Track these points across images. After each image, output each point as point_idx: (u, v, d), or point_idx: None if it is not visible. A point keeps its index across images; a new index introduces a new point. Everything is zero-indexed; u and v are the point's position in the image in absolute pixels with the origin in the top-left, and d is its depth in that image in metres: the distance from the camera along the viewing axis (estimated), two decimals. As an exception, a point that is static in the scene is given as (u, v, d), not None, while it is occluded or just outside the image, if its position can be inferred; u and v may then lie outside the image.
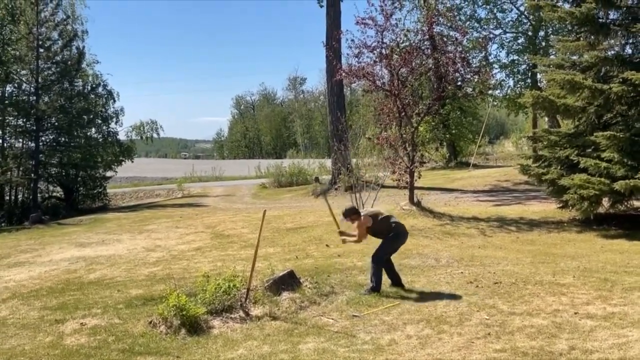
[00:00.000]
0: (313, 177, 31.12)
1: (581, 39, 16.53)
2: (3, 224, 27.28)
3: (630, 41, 16.37)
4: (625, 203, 15.59)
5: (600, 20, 16.06)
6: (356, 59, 18.04)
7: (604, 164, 14.15)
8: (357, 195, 17.81)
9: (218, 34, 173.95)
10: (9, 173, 30.09)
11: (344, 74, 18.98)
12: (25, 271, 13.25)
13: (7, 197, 31.88)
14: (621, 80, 14.45)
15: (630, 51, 16.56)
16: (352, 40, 18.04)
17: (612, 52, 16.24)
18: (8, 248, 17.25)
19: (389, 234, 9.37)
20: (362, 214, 9.49)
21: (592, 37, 16.16)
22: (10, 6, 31.47)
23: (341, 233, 9.71)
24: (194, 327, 7.98)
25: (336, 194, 24.95)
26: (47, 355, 7.49)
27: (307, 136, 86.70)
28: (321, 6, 29.27)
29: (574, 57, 16.86)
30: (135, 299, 9.80)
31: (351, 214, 9.42)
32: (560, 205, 16.08)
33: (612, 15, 16.26)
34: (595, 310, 7.88)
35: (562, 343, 6.77)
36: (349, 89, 38.13)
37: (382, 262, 9.35)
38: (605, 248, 12.77)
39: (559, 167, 15.77)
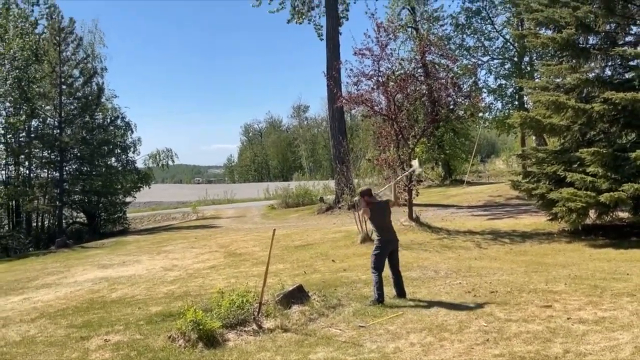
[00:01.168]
0: (318, 198, 31.10)
1: (563, 62, 16.61)
2: (31, 249, 27.30)
3: (610, 63, 16.43)
4: (611, 214, 15.51)
5: (581, 45, 16.14)
6: (355, 86, 18.16)
7: (589, 178, 14.12)
8: (360, 212, 17.78)
9: (226, 68, 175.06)
10: (36, 201, 30.23)
11: (344, 100, 19.08)
12: (52, 292, 13.24)
13: (34, 224, 31.99)
14: (602, 100, 14.47)
15: (609, 73, 16.62)
16: (351, 69, 18.20)
17: (593, 74, 16.28)
18: (36, 271, 17.25)
19: (377, 240, 9.43)
20: (376, 195, 9.94)
21: (574, 60, 16.22)
22: (34, 47, 31.81)
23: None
24: (210, 340, 7.93)
25: (340, 212, 24.94)
26: (73, 370, 7.45)
27: (311, 159, 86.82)
28: (321, 39, 29.54)
29: (558, 80, 16.91)
30: (155, 316, 9.76)
31: (363, 194, 9.72)
32: (550, 217, 16.02)
33: (592, 40, 16.35)
34: (586, 316, 7.81)
35: (557, 347, 6.71)
36: (349, 114, 38.27)
37: (379, 270, 9.29)
38: (593, 257, 12.70)
39: (547, 182, 15.74)
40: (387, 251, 9.56)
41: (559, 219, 15.40)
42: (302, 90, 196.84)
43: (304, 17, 31.10)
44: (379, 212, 9.62)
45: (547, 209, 15.94)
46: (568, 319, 7.72)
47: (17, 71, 30.97)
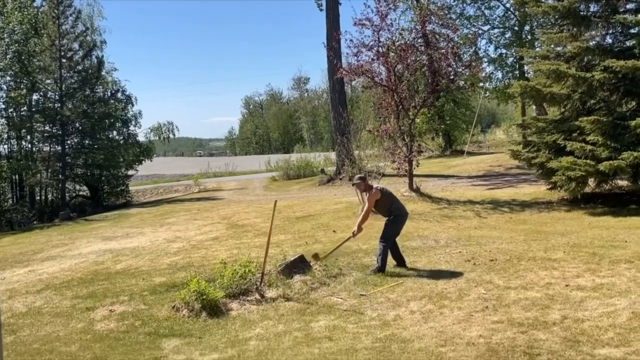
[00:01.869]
0: (319, 169, 31.08)
1: (564, 31, 16.45)
2: (35, 222, 27.44)
3: (610, 31, 16.26)
4: (610, 182, 15.53)
5: (582, 12, 15.96)
6: (355, 57, 18.00)
7: (589, 147, 14.09)
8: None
9: (225, 39, 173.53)
10: (39, 175, 30.30)
11: (344, 72, 18.97)
12: (57, 264, 13.33)
13: (38, 197, 32.11)
14: (603, 68, 14.38)
15: (610, 41, 16.47)
16: (351, 40, 18.01)
17: (594, 42, 16.14)
18: (41, 244, 17.35)
19: (390, 216, 9.44)
20: (373, 187, 9.69)
21: (575, 28, 16.06)
22: (33, 21, 31.54)
23: (354, 233, 9.64)
24: (213, 309, 8.02)
25: (341, 184, 24.97)
26: (79, 340, 7.55)
27: (312, 132, 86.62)
28: (321, 10, 29.22)
29: (558, 48, 16.78)
30: (159, 286, 9.85)
31: (362, 180, 9.77)
32: (550, 186, 16.03)
33: (593, 7, 16.16)
34: (584, 282, 7.88)
35: (555, 313, 6.77)
36: (349, 86, 38.12)
37: (389, 242, 9.40)
38: (592, 225, 12.75)
39: (547, 151, 15.72)
40: (402, 225, 9.64)
41: (559, 188, 15.41)
42: (303, 61, 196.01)
43: (303, -13, 30.73)
44: (388, 195, 9.63)
45: (546, 178, 15.96)
46: (566, 285, 7.79)
47: (16, 45, 30.78)
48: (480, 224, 13.85)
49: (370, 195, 9.50)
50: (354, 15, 17.85)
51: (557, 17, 16.84)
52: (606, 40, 16.43)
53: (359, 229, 9.52)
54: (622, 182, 15.76)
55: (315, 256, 9.89)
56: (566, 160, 14.31)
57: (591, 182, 15.15)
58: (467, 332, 6.45)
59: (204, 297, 8.02)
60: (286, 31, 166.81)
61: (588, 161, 13.92)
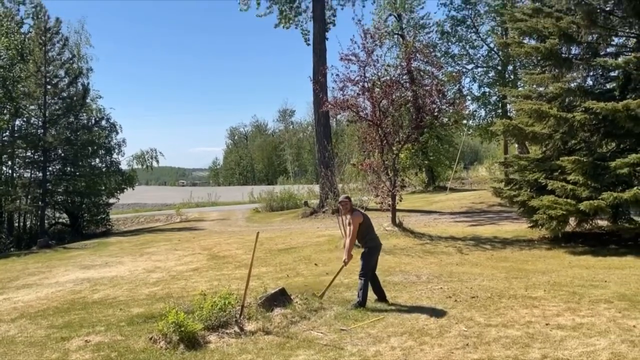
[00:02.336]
0: (302, 202, 31.08)
1: (546, 72, 16.77)
2: (12, 249, 26.98)
3: (591, 74, 16.66)
4: (590, 222, 15.70)
5: (563, 55, 16.31)
6: (341, 92, 18.18)
7: (570, 186, 14.26)
8: (343, 217, 17.79)
9: (212, 70, 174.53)
10: (18, 201, 29.94)
11: (330, 105, 19.11)
12: (33, 292, 13.10)
13: (16, 224, 31.67)
14: (584, 109, 14.65)
15: (591, 83, 16.85)
16: (337, 74, 18.23)
17: (575, 83, 16.48)
18: (17, 271, 17.07)
19: (365, 247, 9.45)
20: (358, 210, 9.82)
21: (556, 70, 16.39)
22: (20, 47, 31.53)
23: (345, 262, 9.63)
24: (191, 342, 7.90)
25: (324, 216, 24.96)
26: (53, 371, 7.38)
27: (296, 164, 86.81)
28: (308, 44, 29.59)
29: (540, 89, 17.09)
30: (137, 317, 9.70)
31: (348, 199, 9.89)
32: (531, 224, 16.16)
33: (574, 50, 16.53)
34: (565, 321, 7.89)
35: (535, 352, 6.76)
36: (334, 119, 38.34)
37: (368, 275, 9.37)
38: (573, 264, 12.82)
39: (528, 190, 15.89)
40: (377, 256, 9.65)
41: (540, 226, 15.53)
42: (289, 94, 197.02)
43: (291, 22, 31.12)
44: (369, 222, 9.69)
45: (528, 216, 16.08)
46: (547, 324, 7.79)
47: (1, 70, 30.70)
48: (461, 261, 13.87)
49: (355, 218, 9.50)
50: (341, 50, 18.06)
51: (539, 58, 17.19)
52: (587, 82, 16.81)
53: (349, 256, 9.51)
54: (602, 222, 15.95)
55: (320, 295, 9.83)
56: (547, 199, 14.46)
57: (572, 221, 15.30)
58: (448, 369, 6.42)
59: (182, 329, 7.91)
60: (273, 64, 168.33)
61: (569, 200, 14.07)
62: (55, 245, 25.16)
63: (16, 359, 7.97)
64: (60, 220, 32.70)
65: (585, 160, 14.39)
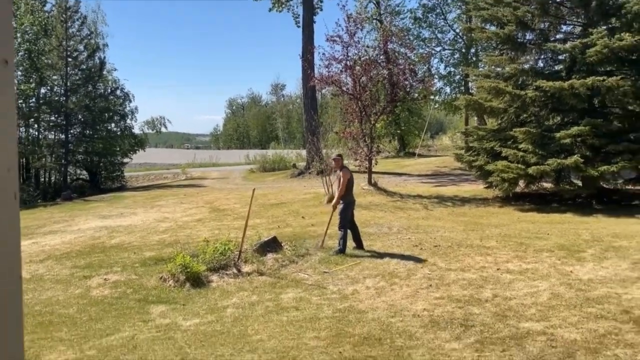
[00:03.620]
0: (291, 164, 30.99)
1: (504, 54, 16.71)
2: (39, 201, 26.76)
3: (542, 57, 16.62)
4: (537, 184, 15.85)
5: (519, 40, 16.24)
6: (326, 69, 17.98)
7: (520, 153, 14.36)
8: (327, 177, 17.81)
9: (213, 47, 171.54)
10: (44, 159, 29.64)
11: (316, 81, 18.93)
12: (58, 238, 13.07)
13: (42, 179, 31.39)
14: (535, 87, 14.65)
15: (542, 64, 16.81)
16: (323, 54, 18.02)
17: (528, 65, 16.43)
18: (44, 219, 16.97)
19: (342, 203, 9.53)
20: (347, 168, 9.93)
21: (513, 53, 16.34)
22: (44, 23, 30.79)
23: (329, 200, 9.83)
24: (196, 281, 7.97)
25: (310, 177, 24.96)
26: (77, 304, 7.42)
27: (286, 131, 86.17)
28: (298, 26, 29.10)
29: (498, 69, 17.04)
30: (149, 260, 9.74)
31: (340, 157, 10.20)
32: (486, 185, 16.31)
33: (528, 36, 16.46)
34: (513, 267, 8.05)
35: (488, 292, 6.90)
36: (320, 93, 38.00)
37: (346, 227, 9.46)
38: (521, 219, 13.00)
39: (485, 156, 15.97)
40: (352, 209, 9.73)
41: (494, 187, 15.68)
42: (280, 70, 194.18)
43: (283, 6, 30.54)
44: (352, 179, 9.79)
45: (484, 179, 16.22)
46: (498, 269, 7.94)
47: (27, 44, 29.99)
48: (427, 215, 14.00)
49: (344, 173, 9.65)
50: (327, 32, 17.89)
51: (498, 42, 17.11)
52: (538, 64, 16.78)
53: (337, 202, 9.66)
54: (547, 184, 16.12)
55: (321, 245, 9.91)
56: (501, 164, 14.56)
57: (521, 183, 15.44)
58: (414, 305, 6.54)
59: (188, 270, 7.96)
60: (267, 42, 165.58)
61: (519, 165, 14.18)
62: (76, 198, 24.99)
63: (45, 294, 7.99)
64: (81, 176, 32.40)
65: (534, 131, 14.47)
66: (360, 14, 19.80)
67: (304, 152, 31.64)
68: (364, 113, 17.63)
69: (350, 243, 9.62)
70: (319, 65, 19.02)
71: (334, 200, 9.91)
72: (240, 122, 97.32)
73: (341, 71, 17.79)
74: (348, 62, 17.67)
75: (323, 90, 26.55)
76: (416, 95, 21.20)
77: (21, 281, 0.83)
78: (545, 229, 11.06)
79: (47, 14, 31.99)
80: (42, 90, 31.20)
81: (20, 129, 31.51)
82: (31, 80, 29.92)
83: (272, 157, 33.11)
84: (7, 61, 0.82)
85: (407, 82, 18.29)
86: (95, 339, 6.04)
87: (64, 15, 29.37)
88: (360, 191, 16.61)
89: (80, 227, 14.63)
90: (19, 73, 30.24)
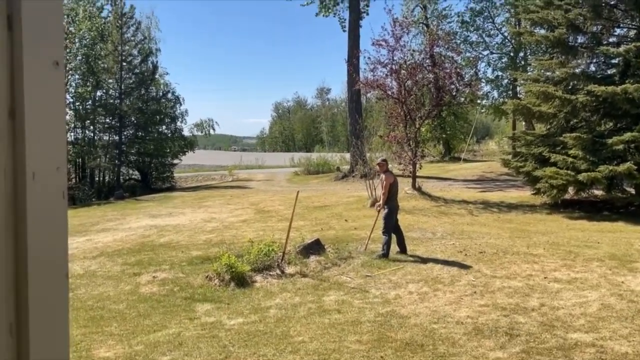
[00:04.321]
0: (335, 167, 30.98)
1: (554, 58, 16.25)
2: (93, 199, 27.70)
3: (594, 60, 16.09)
4: (587, 191, 15.33)
5: (570, 43, 15.76)
6: (371, 73, 17.97)
7: (570, 159, 13.91)
8: (370, 181, 17.71)
9: (259, 52, 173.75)
10: (99, 159, 30.62)
11: (361, 84, 18.91)
12: (111, 235, 13.45)
13: (97, 178, 32.45)
14: (586, 92, 14.19)
15: (593, 69, 16.29)
16: (369, 57, 18.04)
17: (579, 69, 15.95)
18: (97, 217, 17.52)
19: (388, 208, 9.42)
20: (390, 172, 9.94)
21: (563, 57, 15.87)
22: (100, 28, 31.88)
23: (373, 204, 9.79)
24: (241, 281, 8.04)
25: (353, 180, 24.88)
26: (127, 299, 7.61)
27: (331, 135, 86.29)
28: (344, 31, 29.12)
29: (548, 73, 16.59)
30: (195, 259, 9.90)
31: (384, 161, 10.12)
32: (534, 192, 15.86)
33: (580, 39, 15.97)
34: (561, 276, 7.78)
35: (534, 301, 6.69)
36: (365, 97, 37.87)
37: (390, 232, 9.37)
38: (570, 227, 12.58)
39: (533, 162, 15.55)
40: (396, 215, 9.64)
41: (542, 194, 15.24)
42: (326, 74, 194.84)
43: (330, 11, 30.57)
44: (397, 185, 9.73)
45: (531, 185, 15.80)
46: (545, 278, 7.70)
47: (85, 49, 31.14)
48: (472, 221, 13.73)
49: (387, 177, 9.60)
50: (373, 36, 17.84)
51: (548, 46, 16.68)
52: (590, 68, 16.27)
53: (384, 204, 9.60)
54: (598, 192, 15.56)
55: (364, 248, 9.93)
56: (550, 170, 14.14)
57: (570, 190, 14.96)
58: (457, 312, 6.40)
59: (233, 269, 8.05)
60: (313, 47, 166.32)
61: (569, 172, 13.74)
62: (128, 197, 25.72)
63: (97, 289, 8.23)
64: (133, 176, 33.32)
65: (585, 137, 13.99)
66: (406, 17, 19.60)
67: (347, 156, 31.57)
68: (408, 117, 17.47)
69: (394, 247, 9.52)
70: (364, 69, 19.05)
71: (377, 204, 9.86)
72: (285, 125, 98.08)
73: (386, 75, 17.71)
74: (393, 66, 17.56)
75: (368, 94, 26.42)
76: (462, 99, 20.85)
77: (67, 279, 0.83)
78: (596, 238, 10.65)
79: (103, 20, 33.10)
80: (98, 93, 32.32)
81: (77, 130, 32.74)
82: (88, 84, 31.05)
83: (317, 160, 33.19)
84: (58, 63, 0.82)
85: (453, 86, 18.04)
86: (143, 335, 6.17)
87: (119, 21, 30.33)
88: (404, 195, 16.45)
89: (131, 226, 15.02)
90: (77, 76, 31.41)
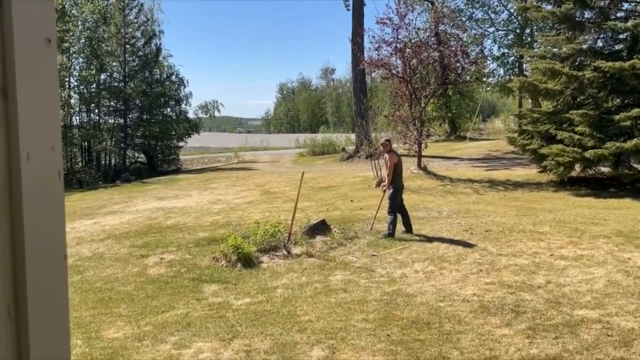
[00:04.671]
0: (340, 148, 30.90)
1: (560, 34, 16.03)
2: (100, 182, 27.83)
3: (602, 36, 15.84)
4: (594, 168, 15.24)
5: (577, 18, 15.52)
6: (376, 52, 17.77)
7: (577, 137, 13.81)
8: (375, 161, 17.66)
9: (262, 33, 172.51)
10: (104, 143, 30.70)
11: (366, 64, 18.73)
12: (118, 218, 13.53)
13: (103, 162, 32.59)
14: (593, 68, 14.01)
15: (601, 44, 16.05)
16: (373, 36, 17.80)
17: (586, 45, 15.72)
18: (104, 200, 17.62)
19: (393, 188, 9.41)
20: (394, 152, 9.83)
21: (570, 32, 15.63)
22: (103, 11, 31.71)
23: (378, 184, 9.77)
24: (247, 261, 8.09)
25: (359, 161, 24.84)
26: (135, 281, 7.67)
27: (336, 115, 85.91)
28: (348, 9, 28.78)
29: (555, 50, 16.38)
30: (202, 240, 9.95)
31: (388, 141, 9.99)
32: (540, 169, 15.77)
33: (587, 14, 15.71)
34: (567, 253, 7.77)
35: (540, 278, 6.70)
36: (369, 77, 37.57)
37: (395, 212, 9.36)
38: (576, 204, 12.53)
39: (539, 139, 15.44)
40: (401, 194, 9.63)
41: (548, 171, 15.16)
42: (330, 54, 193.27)
43: (333, -11, 30.31)
44: (401, 164, 9.69)
45: (538, 162, 15.70)
46: (551, 255, 7.69)
47: (88, 32, 31.03)
48: (478, 200, 13.70)
49: (391, 157, 9.56)
50: (377, 14, 17.66)
51: (555, 21, 16.42)
52: (597, 44, 16.03)
53: (389, 184, 9.57)
54: (604, 169, 15.46)
55: (370, 228, 9.94)
56: (556, 148, 14.05)
57: (577, 167, 14.87)
58: (463, 290, 6.41)
59: (240, 250, 8.09)
60: (317, 26, 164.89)
61: (575, 149, 13.65)
62: (134, 180, 25.83)
63: (105, 271, 8.30)
64: (139, 159, 33.44)
65: (592, 113, 13.87)
66: (411, -5, 19.30)
67: (353, 136, 31.47)
68: (413, 96, 17.34)
69: (400, 227, 9.52)
70: (369, 48, 18.83)
71: (382, 184, 9.83)
72: (290, 107, 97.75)
73: (391, 54, 17.53)
74: (398, 45, 17.38)
75: (373, 74, 26.15)
76: (468, 77, 20.65)
77: (66, 261, 0.82)
78: (602, 215, 10.62)
79: (106, 3, 32.91)
80: (102, 77, 32.29)
81: (82, 113, 32.78)
82: (92, 67, 31.00)
83: (322, 141, 33.09)
84: (50, 40, 0.80)
85: (458, 64, 17.84)
86: (152, 316, 6.23)
87: (122, 3, 30.16)
88: (409, 175, 16.42)
89: (138, 208, 15.10)
90: (80, 60, 31.33)
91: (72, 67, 31.77)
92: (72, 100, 31.59)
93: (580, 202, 12.88)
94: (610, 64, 13.35)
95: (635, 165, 14.90)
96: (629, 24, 14.26)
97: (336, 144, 32.72)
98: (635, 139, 12.73)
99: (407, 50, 17.45)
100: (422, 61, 17.58)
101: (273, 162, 29.82)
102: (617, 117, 13.32)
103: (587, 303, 5.79)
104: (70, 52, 31.03)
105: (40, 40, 0.81)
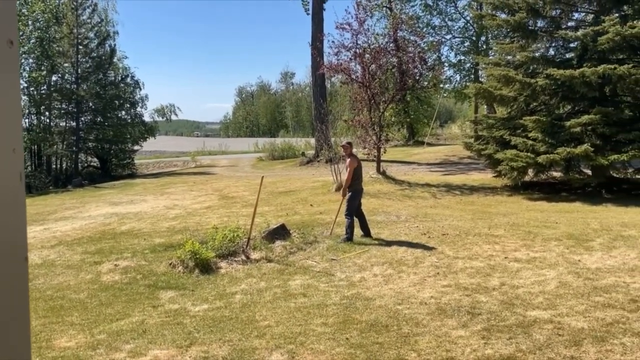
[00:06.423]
0: (300, 152, 30.96)
1: (514, 42, 16.55)
2: (51, 187, 27.00)
3: (553, 44, 16.46)
4: (546, 173, 15.76)
5: (530, 27, 16.08)
6: (336, 57, 17.91)
7: (530, 142, 14.27)
8: (335, 166, 17.78)
9: (221, 36, 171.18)
10: (55, 146, 29.83)
11: (325, 68, 18.83)
12: (69, 224, 13.18)
13: (54, 166, 31.64)
14: (545, 75, 14.53)
15: (552, 52, 16.66)
16: (333, 41, 17.95)
17: (539, 53, 16.30)
18: (55, 206, 17.11)
19: (351, 191, 9.53)
20: (355, 156, 9.93)
21: (523, 40, 16.18)
22: (54, 10, 30.84)
23: (338, 188, 9.83)
24: (205, 267, 8.02)
25: (319, 165, 24.94)
26: (88, 289, 7.50)
27: (295, 119, 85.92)
28: (307, 14, 28.93)
29: (509, 57, 16.89)
30: (158, 246, 9.81)
31: (349, 144, 10.15)
32: (495, 174, 16.22)
33: (540, 23, 16.29)
34: (521, 256, 8.02)
35: (495, 280, 6.89)
36: (329, 81, 37.79)
37: (352, 215, 9.46)
38: (529, 208, 12.94)
39: (494, 145, 15.88)
40: (360, 198, 9.73)
41: (503, 176, 15.60)
42: (290, 58, 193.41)
43: (293, -7, 30.40)
44: (360, 168, 9.78)
45: (493, 167, 16.15)
46: (505, 258, 7.92)
47: (39, 31, 30.07)
48: (435, 204, 13.97)
49: (352, 160, 9.65)
50: (336, 19, 17.79)
51: (509, 30, 16.96)
52: (549, 52, 16.63)
53: (345, 191, 9.68)
54: (556, 173, 16.02)
55: (330, 232, 9.99)
56: (510, 153, 14.49)
57: (530, 172, 15.36)
58: (421, 293, 6.54)
59: (198, 256, 8.01)
60: (276, 31, 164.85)
61: (528, 154, 14.10)
62: (87, 185, 25.19)
63: (56, 279, 8.08)
64: (92, 163, 32.63)
65: (544, 119, 14.37)
66: (370, 1, 19.59)
67: (312, 141, 31.60)
68: (373, 101, 17.56)
69: (358, 231, 9.62)
70: (329, 53, 18.95)
71: (342, 189, 9.93)
72: (249, 111, 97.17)
73: (350, 59, 17.71)
74: (357, 50, 17.58)
75: (332, 79, 26.45)
76: (426, 83, 21.05)
77: (27, 263, 0.83)
78: (554, 218, 11.00)
79: (58, 2, 32.04)
80: (53, 78, 31.34)
81: (32, 116, 31.73)
82: (42, 68, 30.05)
83: (281, 146, 33.05)
84: (12, 42, 0.82)
85: (416, 70, 18.17)
86: (106, 324, 6.10)
87: (74, 3, 29.47)
88: (368, 179, 16.60)
89: (91, 214, 14.74)
90: (30, 60, 30.35)
91: (22, 67, 30.74)
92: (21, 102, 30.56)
93: (533, 205, 13.31)
94: (561, 71, 13.87)
95: (584, 170, 15.51)
96: (579, 33, 14.87)
97: (296, 149, 32.73)
98: (585, 145, 13.26)
99: (366, 55, 17.66)
100: (381, 66, 17.83)
101: (232, 167, 29.59)
102: (567, 123, 13.84)
103: (540, 304, 6.00)
104: (20, 52, 30.01)
105: (2, 42, 0.82)
